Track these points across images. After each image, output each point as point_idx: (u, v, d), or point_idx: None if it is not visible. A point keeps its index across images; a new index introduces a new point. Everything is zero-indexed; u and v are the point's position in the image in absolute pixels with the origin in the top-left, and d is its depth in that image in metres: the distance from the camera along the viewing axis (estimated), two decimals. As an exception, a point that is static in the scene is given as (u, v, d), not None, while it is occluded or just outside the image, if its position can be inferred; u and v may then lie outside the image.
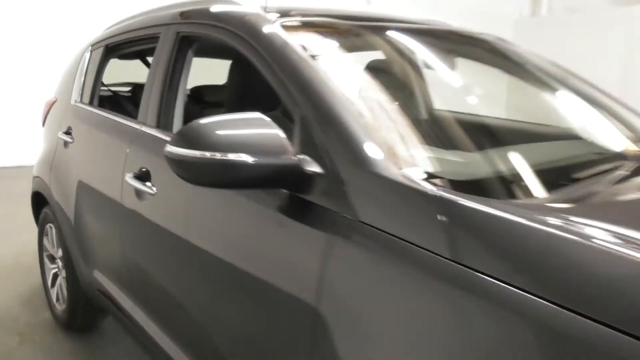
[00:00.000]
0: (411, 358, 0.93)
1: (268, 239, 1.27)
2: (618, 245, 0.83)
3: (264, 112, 1.21)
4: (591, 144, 1.68)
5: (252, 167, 1.12)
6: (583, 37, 9.27)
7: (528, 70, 2.05)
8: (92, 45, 2.67)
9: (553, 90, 1.99)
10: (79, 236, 2.33)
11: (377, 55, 1.74)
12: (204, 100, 3.02)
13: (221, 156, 1.11)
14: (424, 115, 1.82)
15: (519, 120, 2.07)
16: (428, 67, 1.85)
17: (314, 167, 1.16)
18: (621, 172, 1.32)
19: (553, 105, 1.97)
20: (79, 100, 2.58)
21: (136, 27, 2.24)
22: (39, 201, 2.88)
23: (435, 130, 1.58)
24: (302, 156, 1.18)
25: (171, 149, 1.17)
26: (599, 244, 0.83)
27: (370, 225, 1.04)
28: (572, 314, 0.74)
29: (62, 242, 2.57)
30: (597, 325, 0.72)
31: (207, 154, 1.12)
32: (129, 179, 1.78)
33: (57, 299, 2.81)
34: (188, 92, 2.86)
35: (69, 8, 7.03)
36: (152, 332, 1.80)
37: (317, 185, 1.15)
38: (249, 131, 1.16)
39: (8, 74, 6.90)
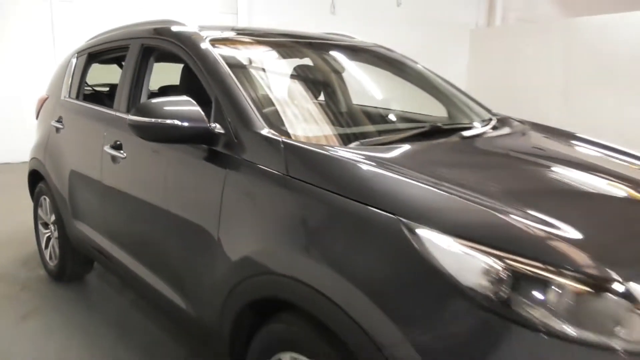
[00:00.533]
0: (272, 234, 1.65)
1: (194, 183, 1.99)
2: (374, 165, 1.57)
3: (201, 99, 1.93)
4: (428, 121, 2.44)
5: (183, 129, 1.83)
6: (532, 45, 10.13)
7: (401, 69, 2.82)
8: (77, 53, 3.37)
9: (416, 83, 2.77)
10: (69, 200, 3.02)
11: (273, 58, 2.49)
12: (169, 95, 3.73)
13: (164, 122, 1.83)
14: (297, 100, 2.52)
15: (385, 107, 2.80)
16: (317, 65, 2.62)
17: (221, 130, 1.88)
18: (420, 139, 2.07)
19: (414, 95, 2.74)
20: (67, 96, 3.27)
21: (112, 39, 2.96)
22: (35, 179, 3.56)
23: (298, 110, 2.27)
24: (214, 124, 1.90)
25: (133, 118, 1.88)
26: (360, 162, 1.57)
27: (249, 161, 1.77)
28: (349, 200, 1.45)
29: (54, 209, 3.26)
30: (361, 205, 1.42)
31: (156, 120, 1.83)
32: (107, 149, 2.49)
33: (50, 257, 3.49)
34: (156, 91, 3.56)
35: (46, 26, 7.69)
36: (122, 259, 2.50)
37: (221, 140, 1.87)
38: (180, 107, 1.88)
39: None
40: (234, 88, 1.96)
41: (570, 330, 1.17)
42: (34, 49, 7.66)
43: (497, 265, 1.22)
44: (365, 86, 2.88)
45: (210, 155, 1.92)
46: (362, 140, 1.90)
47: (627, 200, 1.74)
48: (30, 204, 3.81)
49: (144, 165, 2.34)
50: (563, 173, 1.89)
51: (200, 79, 2.09)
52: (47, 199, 3.40)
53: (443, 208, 1.40)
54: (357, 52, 2.90)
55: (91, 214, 2.83)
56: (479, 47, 11.37)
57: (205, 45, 2.19)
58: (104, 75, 3.64)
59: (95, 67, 3.36)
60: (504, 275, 1.21)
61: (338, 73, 2.84)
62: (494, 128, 2.37)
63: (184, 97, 1.91)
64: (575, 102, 9.41)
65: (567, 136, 2.46)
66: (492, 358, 1.19)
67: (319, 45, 2.73)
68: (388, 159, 1.70)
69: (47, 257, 3.52)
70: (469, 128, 2.30)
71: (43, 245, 3.58)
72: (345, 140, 1.94)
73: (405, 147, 1.88)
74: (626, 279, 1.21)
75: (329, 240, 1.48)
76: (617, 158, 2.20)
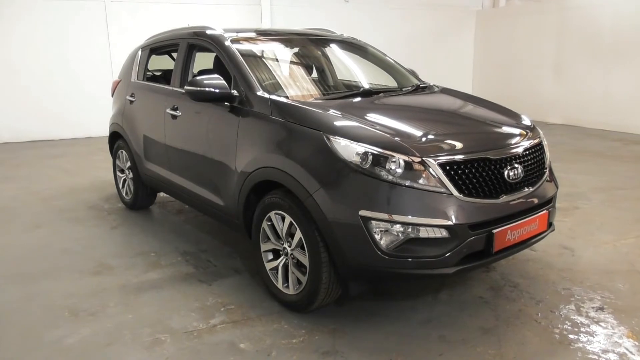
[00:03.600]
0: (263, 148, 3.01)
1: (221, 125, 3.37)
2: (314, 108, 2.92)
3: (226, 76, 3.30)
4: (378, 88, 3.79)
5: (215, 93, 3.21)
6: (530, 24, 11.09)
7: (365, 52, 4.14)
8: (142, 48, 4.80)
9: (375, 62, 4.09)
10: (141, 149, 4.47)
11: (271, 48, 3.85)
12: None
13: (204, 89, 3.21)
14: (282, 75, 3.80)
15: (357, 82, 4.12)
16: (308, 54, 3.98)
17: (236, 93, 3.25)
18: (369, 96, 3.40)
19: (373, 70, 4.06)
20: (136, 78, 4.72)
21: (167, 38, 4.36)
22: (114, 139, 5.04)
23: (282, 81, 3.60)
24: (233, 90, 3.27)
25: (188, 88, 3.26)
26: (307, 107, 2.93)
27: (252, 110, 3.13)
28: (299, 125, 2.82)
29: (130, 157, 4.72)
30: (305, 127, 2.79)
31: (199, 88, 3.21)
32: (168, 110, 3.92)
33: (126, 194, 4.98)
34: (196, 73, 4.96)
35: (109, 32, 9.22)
36: (179, 182, 3.93)
37: (237, 99, 3.24)
38: (214, 81, 3.24)
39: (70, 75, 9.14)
40: (244, 69, 3.32)
41: (393, 178, 2.51)
42: (91, 42, 9.21)
43: (363, 150, 2.56)
44: (338, 65, 4.21)
45: (231, 109, 3.29)
46: (316, 97, 3.26)
47: (454, 123, 3.07)
48: (98, 166, 5.29)
49: (191, 119, 3.74)
50: (424, 111, 3.24)
51: (225, 64, 3.47)
52: (124, 152, 4.87)
53: (344, 126, 2.75)
54: (333, 41, 4.22)
55: (157, 156, 4.27)
56: (484, 28, 12.37)
57: (227, 42, 3.56)
58: (157, 63, 5.07)
59: (153, 58, 4.78)
60: (367, 155, 2.55)
61: (315, 57, 4.18)
62: (413, 91, 3.68)
63: (216, 75, 3.28)
64: (566, 76, 10.38)
65: (458, 96, 3.72)
66: (361, 194, 2.53)
67: (304, 39, 4.08)
68: (325, 105, 3.04)
69: (124, 194, 5.02)
70: (394, 90, 3.63)
71: (120, 186, 5.07)
72: (304, 97, 3.30)
73: (341, 100, 3.23)
74: (422, 155, 2.54)
75: (289, 146, 2.85)
76: (480, 108, 3.46)
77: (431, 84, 4.03)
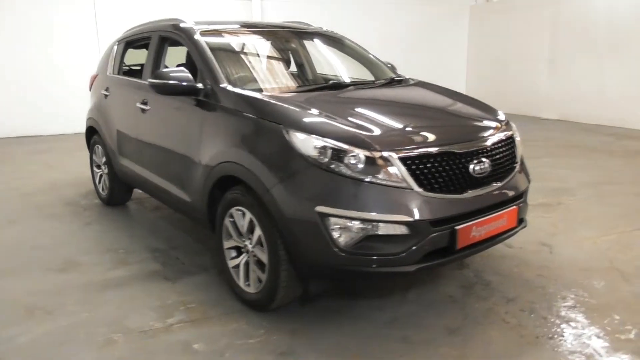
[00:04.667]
0: (225, 141, 2.92)
1: (187, 119, 3.28)
2: (274, 101, 2.83)
3: (195, 70, 3.21)
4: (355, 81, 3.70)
5: (180, 86, 3.12)
6: (524, 18, 10.96)
7: (348, 48, 4.04)
8: (117, 41, 4.72)
9: (350, 54, 3.99)
10: (115, 143, 4.39)
11: (239, 42, 3.75)
12: None
13: (168, 82, 3.12)
14: (246, 67, 3.69)
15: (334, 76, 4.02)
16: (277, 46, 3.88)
17: (202, 86, 3.16)
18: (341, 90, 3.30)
19: (347, 62, 3.98)
20: (112, 72, 4.63)
21: (140, 32, 4.27)
22: (90, 133, 4.96)
23: (247, 73, 3.52)
24: (199, 83, 3.18)
25: (152, 80, 3.17)
26: (266, 99, 2.84)
27: (216, 103, 3.04)
28: (258, 118, 2.73)
29: (105, 152, 4.64)
30: (265, 120, 2.70)
31: (163, 81, 3.12)
32: (139, 104, 3.83)
33: (102, 189, 4.90)
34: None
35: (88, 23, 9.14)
36: (149, 177, 3.85)
37: (202, 92, 3.15)
38: (179, 74, 3.15)
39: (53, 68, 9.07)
40: (211, 61, 3.23)
41: (352, 173, 2.41)
42: (79, 37, 9.12)
43: (322, 144, 2.47)
44: (313, 58, 4.12)
45: (197, 103, 3.20)
46: (284, 90, 3.17)
47: (421, 116, 2.97)
48: (83, 162, 5.22)
49: (160, 113, 3.66)
50: (392, 104, 3.14)
51: (193, 57, 3.37)
52: (100, 147, 4.79)
53: (303, 120, 2.66)
54: (309, 34, 4.12)
55: (130, 150, 4.18)
56: (479, 23, 12.23)
57: (197, 35, 3.47)
58: (137, 57, 4.98)
59: (131, 52, 4.69)
60: (326, 149, 2.46)
61: (288, 49, 4.08)
62: (386, 84, 3.59)
63: (181, 68, 3.19)
64: (560, 70, 10.26)
65: (432, 89, 3.62)
66: (318, 189, 2.44)
67: (279, 31, 3.98)
68: (291, 98, 2.95)
69: (100, 190, 4.94)
70: (367, 83, 3.53)
71: (97, 181, 4.99)
72: (271, 90, 3.21)
73: (309, 93, 3.14)
74: (382, 150, 2.45)
75: (249, 140, 2.76)
76: (453, 101, 3.37)
77: (407, 77, 3.93)
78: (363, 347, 2.55)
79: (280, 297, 2.71)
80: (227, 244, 3.00)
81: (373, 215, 2.40)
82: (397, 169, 2.45)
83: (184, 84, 3.13)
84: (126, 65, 4.85)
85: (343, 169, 2.44)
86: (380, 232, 2.43)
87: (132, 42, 4.51)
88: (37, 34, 8.87)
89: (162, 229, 4.25)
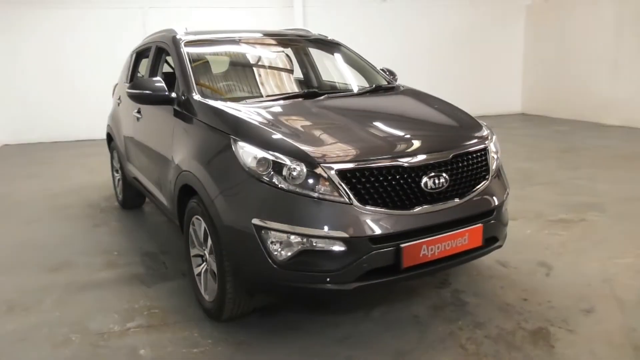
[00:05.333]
0: (186, 150, 2.96)
1: (166, 125, 3.35)
2: (233, 111, 2.82)
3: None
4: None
5: (153, 95, 3.20)
6: (584, 17, 10.26)
7: (344, 55, 3.98)
8: (132, 52, 4.92)
9: (347, 61, 3.93)
10: (123, 149, 4.58)
11: (220, 52, 3.77)
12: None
13: (143, 91, 3.20)
14: (221, 78, 3.71)
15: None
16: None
17: (176, 96, 3.22)
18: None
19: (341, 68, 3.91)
20: (125, 81, 4.84)
21: (145, 43, 4.43)
22: (109, 139, 5.21)
23: (220, 84, 3.55)
24: (174, 93, 3.24)
25: (128, 90, 3.27)
26: (226, 111, 2.83)
27: (187, 113, 3.08)
28: (212, 127, 2.74)
29: (118, 157, 4.85)
30: (217, 130, 2.71)
31: (140, 91, 3.21)
32: (134, 113, 3.97)
33: (119, 193, 5.12)
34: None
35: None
36: (144, 182, 3.97)
37: (176, 102, 3.21)
38: (153, 84, 3.23)
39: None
40: (186, 71, 3.28)
41: (288, 186, 2.35)
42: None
43: (261, 155, 2.43)
44: (303, 66, 4.08)
45: (173, 112, 3.26)
46: (253, 100, 3.16)
47: (380, 127, 2.82)
48: None
49: (148, 122, 3.77)
50: (356, 114, 3.03)
51: (174, 66, 3.45)
52: (115, 152, 5.01)
53: (249, 130, 2.62)
54: (302, 41, 4.09)
55: (131, 155, 4.34)
56: (535, 23, 11.61)
57: (180, 46, 3.54)
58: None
59: (144, 62, 4.87)
60: (264, 161, 2.42)
61: (276, 58, 4.06)
62: (368, 91, 3.49)
63: (156, 77, 3.27)
64: (625, 72, 9.51)
65: (415, 97, 3.45)
66: (255, 201, 2.40)
67: (272, 40, 3.99)
68: (252, 108, 2.92)
69: (117, 193, 5.17)
70: (345, 91, 3.45)
71: (115, 185, 5.23)
72: (240, 100, 3.20)
73: (274, 103, 3.11)
74: (321, 163, 2.37)
75: (203, 149, 2.77)
76: (429, 111, 3.21)
77: (399, 84, 3.79)
78: (303, 365, 2.47)
79: (229, 308, 2.69)
80: (192, 251, 3.03)
81: (308, 230, 2.33)
82: (335, 183, 2.36)
83: (157, 93, 3.19)
84: (141, 75, 5.04)
85: (280, 182, 2.38)
86: (316, 248, 2.35)
87: (141, 52, 4.68)
88: (98, 45, 9.45)
89: (161, 233, 4.36)
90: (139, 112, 3.92)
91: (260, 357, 2.54)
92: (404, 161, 2.46)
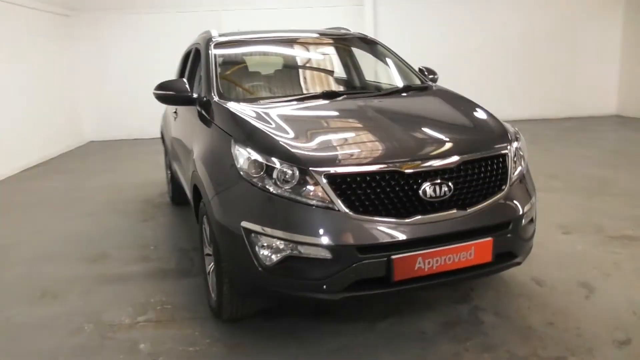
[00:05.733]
0: (197, 150, 3.00)
1: (191, 125, 3.42)
2: (239, 113, 2.82)
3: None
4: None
5: (177, 96, 3.28)
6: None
7: (380, 54, 3.87)
8: (182, 55, 5.10)
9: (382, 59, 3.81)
10: (169, 147, 4.76)
11: (247, 54, 3.77)
12: None
13: (167, 92, 3.29)
14: (241, 79, 3.70)
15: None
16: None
17: (197, 96, 3.27)
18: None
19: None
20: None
21: (190, 46, 4.56)
22: (163, 139, 5.45)
23: (240, 85, 3.54)
24: (195, 94, 3.30)
25: (155, 91, 3.38)
26: (235, 112, 2.83)
27: (206, 115, 3.12)
28: (218, 127, 2.76)
29: (166, 155, 5.06)
30: (222, 131, 2.72)
31: (164, 92, 3.31)
32: (172, 113, 4.11)
33: (170, 189, 5.34)
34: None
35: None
36: (178, 177, 4.09)
37: (198, 102, 3.26)
38: (176, 85, 3.31)
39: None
40: (209, 74, 3.33)
41: (277, 190, 2.30)
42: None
43: (254, 157, 2.40)
44: (328, 64, 3.99)
45: (197, 113, 3.32)
46: (263, 100, 3.14)
47: (387, 130, 2.66)
48: None
49: (181, 121, 3.88)
50: (365, 117, 2.87)
51: (202, 68, 3.51)
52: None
53: (245, 134, 2.59)
54: (337, 40, 4.00)
55: (172, 153, 4.50)
56: (636, 13, 10.54)
57: (209, 47, 3.60)
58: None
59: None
60: (256, 163, 2.38)
61: (300, 57, 4.00)
62: (393, 92, 3.34)
63: (181, 79, 3.35)
64: None
65: (442, 98, 3.25)
66: (246, 204, 2.38)
67: (300, 40, 3.94)
68: (254, 110, 2.88)
69: (169, 189, 5.39)
70: (367, 92, 3.33)
71: (168, 181, 5.45)
72: (255, 101, 3.18)
73: (282, 104, 3.07)
74: (310, 167, 2.28)
75: (209, 149, 2.79)
76: (448, 113, 3.00)
77: (432, 84, 3.59)
78: (289, 374, 2.40)
79: (227, 309, 2.68)
80: (205, 250, 3.06)
81: (293, 236, 2.26)
82: (324, 188, 2.26)
83: (180, 94, 3.26)
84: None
85: (270, 185, 2.34)
86: (302, 254, 2.27)
87: (187, 54, 4.83)
88: (178, 50, 9.90)
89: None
90: (175, 112, 4.05)
91: (251, 361, 2.51)
92: (402, 167, 2.31)
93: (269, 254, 2.31)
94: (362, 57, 4.04)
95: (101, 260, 3.88)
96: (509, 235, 2.50)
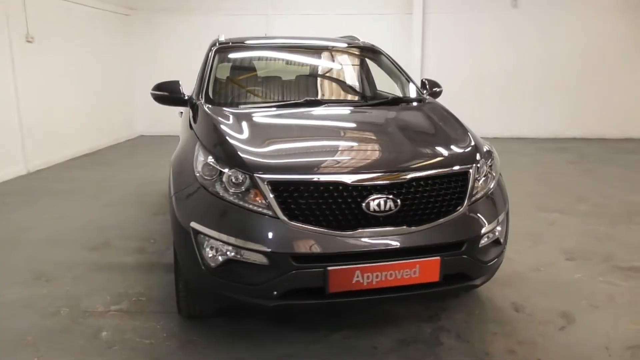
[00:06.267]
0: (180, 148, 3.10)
1: (183, 125, 3.54)
2: (211, 117, 2.89)
3: None
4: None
5: (170, 97, 3.40)
6: None
7: (384, 65, 3.85)
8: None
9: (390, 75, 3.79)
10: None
11: (245, 58, 3.83)
12: None
13: (164, 93, 3.42)
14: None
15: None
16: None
17: (190, 98, 3.39)
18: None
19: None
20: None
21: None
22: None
23: (228, 89, 3.61)
24: (185, 95, 3.41)
25: (152, 91, 3.53)
26: (207, 113, 2.91)
27: (194, 114, 3.23)
28: (192, 130, 2.85)
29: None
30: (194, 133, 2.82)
31: (159, 92, 3.44)
32: (180, 110, 4.26)
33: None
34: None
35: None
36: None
37: (190, 104, 3.37)
38: (170, 85, 3.43)
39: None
40: (203, 77, 3.44)
41: (223, 193, 2.35)
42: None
43: (206, 161, 2.46)
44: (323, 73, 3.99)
45: (191, 109, 3.41)
46: (244, 105, 3.20)
47: (346, 141, 2.69)
48: None
49: (182, 119, 4.01)
50: (329, 128, 2.91)
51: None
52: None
53: (206, 137, 2.67)
54: (340, 50, 4.01)
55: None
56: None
57: (210, 51, 3.71)
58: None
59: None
60: (207, 166, 2.44)
61: (294, 64, 4.02)
62: (380, 103, 3.32)
63: (176, 80, 3.47)
64: None
65: (422, 111, 3.19)
66: (195, 205, 2.44)
67: (302, 47, 3.97)
68: (228, 115, 2.95)
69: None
70: (345, 102, 3.35)
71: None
72: (237, 105, 3.25)
73: (259, 110, 3.14)
74: (254, 172, 2.32)
75: (181, 148, 2.88)
76: (419, 126, 2.95)
77: (426, 98, 3.51)
78: (227, 375, 2.44)
79: (184, 306, 2.76)
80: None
81: (234, 240, 2.30)
82: (266, 194, 2.29)
83: (173, 95, 3.39)
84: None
85: (220, 189, 2.39)
86: (242, 259, 2.31)
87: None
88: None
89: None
90: (181, 112, 4.20)
91: (195, 358, 2.57)
92: (346, 179, 2.29)
93: (213, 256, 2.36)
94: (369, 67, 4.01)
95: (102, 249, 4.08)
96: (463, 256, 2.41)
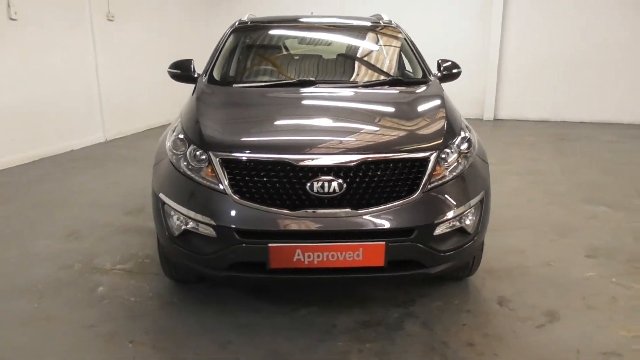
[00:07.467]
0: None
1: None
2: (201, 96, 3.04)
3: None
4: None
5: (182, 74, 3.60)
6: None
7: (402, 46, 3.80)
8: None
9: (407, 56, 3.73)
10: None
11: (262, 37, 3.90)
12: None
13: (177, 70, 3.63)
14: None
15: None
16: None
17: (199, 75, 3.57)
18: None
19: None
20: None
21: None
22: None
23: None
24: (195, 73, 3.59)
25: (168, 69, 3.75)
26: (203, 90, 3.07)
27: (202, 88, 3.41)
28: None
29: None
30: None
31: (173, 70, 3.65)
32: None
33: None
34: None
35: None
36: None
37: (198, 82, 3.55)
38: (183, 63, 3.61)
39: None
40: (214, 55, 3.60)
41: (182, 167, 2.51)
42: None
43: (175, 136, 2.63)
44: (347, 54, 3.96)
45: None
46: (240, 83, 3.30)
47: (310, 123, 2.72)
48: None
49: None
50: (311, 107, 2.96)
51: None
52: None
53: (184, 115, 2.83)
54: (354, 28, 3.97)
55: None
56: None
57: (231, 28, 3.85)
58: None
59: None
60: (176, 142, 2.61)
61: (308, 43, 4.01)
62: (379, 84, 3.29)
63: (189, 58, 3.66)
64: None
65: (416, 94, 3.09)
66: (163, 177, 2.63)
67: (321, 27, 3.98)
68: (217, 93, 3.09)
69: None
70: (340, 82, 3.35)
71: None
72: (232, 83, 3.37)
73: (249, 89, 3.27)
74: (208, 149, 2.44)
75: (172, 123, 3.07)
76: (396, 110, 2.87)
77: (431, 79, 3.40)
78: (186, 341, 2.59)
79: (166, 269, 2.98)
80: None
81: (188, 212, 2.45)
82: (217, 171, 2.40)
83: (184, 72, 3.59)
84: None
85: (181, 164, 2.54)
86: (196, 230, 2.46)
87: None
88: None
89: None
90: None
91: (166, 320, 2.77)
92: (292, 160, 2.33)
93: (174, 225, 2.53)
94: (380, 46, 3.93)
95: (136, 213, 4.46)
96: (414, 243, 2.36)
